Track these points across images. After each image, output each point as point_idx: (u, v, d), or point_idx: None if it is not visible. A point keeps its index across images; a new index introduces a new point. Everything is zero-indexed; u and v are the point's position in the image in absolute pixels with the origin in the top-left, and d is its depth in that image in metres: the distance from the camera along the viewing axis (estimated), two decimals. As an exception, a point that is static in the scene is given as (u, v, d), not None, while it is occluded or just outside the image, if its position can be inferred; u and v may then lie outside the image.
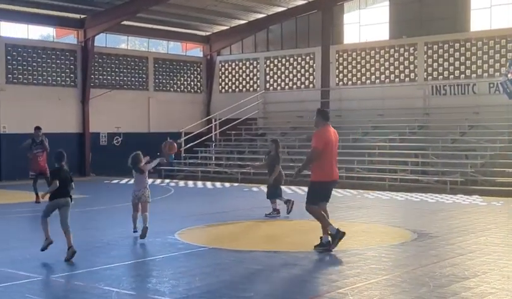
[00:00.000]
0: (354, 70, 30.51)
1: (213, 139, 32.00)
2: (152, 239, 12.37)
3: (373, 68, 29.96)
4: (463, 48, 27.54)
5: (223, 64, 35.18)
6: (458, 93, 27.17)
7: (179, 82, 34.32)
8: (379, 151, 26.24)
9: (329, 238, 10.98)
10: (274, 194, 15.88)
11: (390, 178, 23.98)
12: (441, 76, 28.06)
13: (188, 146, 30.49)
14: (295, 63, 32.56)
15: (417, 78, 28.73)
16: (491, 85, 26.36)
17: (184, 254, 11.04)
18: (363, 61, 30.22)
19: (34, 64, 28.55)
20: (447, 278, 8.94)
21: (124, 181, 26.89)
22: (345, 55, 30.77)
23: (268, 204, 15.93)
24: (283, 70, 32.99)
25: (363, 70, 30.25)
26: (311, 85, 32.05)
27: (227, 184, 25.34)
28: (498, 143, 24.00)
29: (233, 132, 31.54)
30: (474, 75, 27.23)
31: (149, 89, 32.91)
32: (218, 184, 25.65)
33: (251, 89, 33.90)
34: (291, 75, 32.70)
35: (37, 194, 19.02)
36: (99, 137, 30.70)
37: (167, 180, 27.48)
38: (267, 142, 29.62)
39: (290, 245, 11.77)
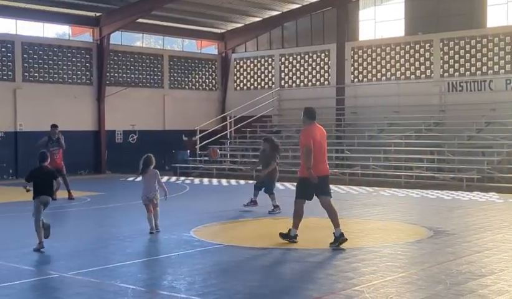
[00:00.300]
0: (370, 67, 30.41)
1: (228, 137, 32.01)
2: (167, 236, 12.41)
3: (388, 65, 29.84)
4: (480, 44, 27.37)
5: (238, 61, 35.18)
6: (475, 89, 27.02)
7: (194, 80, 34.37)
8: (395, 148, 26.13)
9: (342, 231, 11.15)
10: (270, 188, 16.11)
11: (406, 175, 23.89)
12: (458, 73, 27.90)
13: (203, 143, 30.51)
14: (310, 60, 32.49)
15: (432, 74, 28.59)
16: (508, 82, 26.19)
17: (199, 251, 11.05)
18: (378, 58, 30.12)
19: (50, 62, 28.69)
20: (464, 276, 8.88)
21: (139, 179, 26.93)
22: (360, 51, 30.67)
23: (268, 201, 16.04)
24: (298, 67, 32.94)
25: (378, 66, 30.15)
26: (326, 82, 31.98)
27: (242, 182, 25.33)
28: (515, 140, 23.86)
29: (248, 129, 31.53)
30: (490, 72, 27.06)
31: (164, 87, 32.98)
32: (233, 181, 25.66)
33: (266, 86, 33.88)
34: (306, 72, 32.65)
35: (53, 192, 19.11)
36: (115, 135, 30.81)
37: (182, 178, 27.54)
38: (282, 140, 29.63)
39: (304, 242, 11.74)
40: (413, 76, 29.16)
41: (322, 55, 32.04)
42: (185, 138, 32.19)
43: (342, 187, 22.76)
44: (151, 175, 13.10)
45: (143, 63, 32.18)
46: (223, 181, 25.83)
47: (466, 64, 27.71)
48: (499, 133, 24.63)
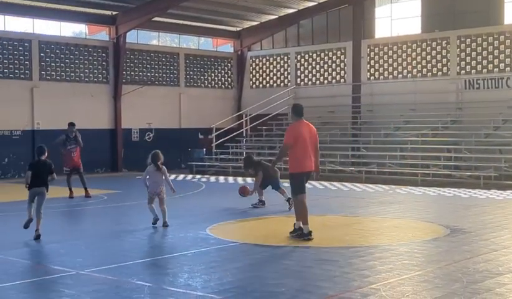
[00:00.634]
0: (386, 65, 30.30)
1: (244, 135, 32.03)
2: (183, 234, 12.45)
3: (405, 63, 29.73)
4: (497, 41, 27.19)
5: (253, 59, 35.19)
6: (492, 87, 26.85)
7: (209, 78, 34.41)
8: (411, 145, 26.04)
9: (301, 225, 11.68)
10: (277, 185, 16.41)
11: (423, 173, 23.79)
12: (475, 70, 27.75)
13: (219, 141, 30.54)
14: (326, 58, 32.43)
15: (449, 72, 28.44)
16: (526, 79, 26.02)
17: (215, 249, 11.08)
18: (395, 55, 30.01)
19: (67, 61, 28.84)
20: (481, 274, 8.84)
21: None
22: (376, 49, 30.57)
23: (281, 200, 16.10)
24: (313, 65, 32.89)
25: (395, 64, 30.04)
26: (342, 80, 31.91)
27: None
28: (533, 137, 23.71)
29: (264, 127, 31.53)
30: (508, 69, 26.86)
31: (180, 85, 33.05)
32: (249, 180, 25.64)
33: (282, 84, 33.86)
34: (322, 70, 32.59)
35: (70, 190, 19.26)
36: (131, 133, 30.92)
37: (198, 176, 27.59)
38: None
39: (321, 240, 11.73)
40: (429, 73, 29.02)
41: (338, 52, 31.98)
42: (201, 136, 32.25)
43: (358, 185, 22.72)
44: (158, 171, 13.53)
45: (159, 62, 32.27)
46: (239, 179, 25.84)
47: (483, 61, 27.55)
48: (516, 131, 24.49)
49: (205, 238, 12.03)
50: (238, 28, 34.64)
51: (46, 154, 12.70)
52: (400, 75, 29.88)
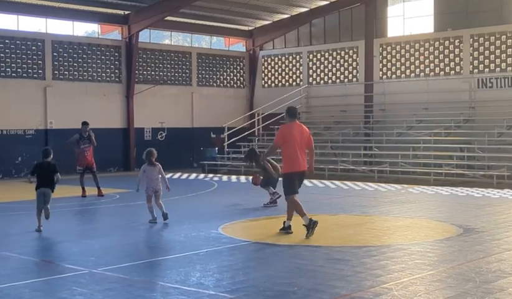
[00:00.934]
0: (398, 64, 30.23)
1: (256, 134, 32.02)
2: (196, 233, 12.47)
3: (417, 62, 29.64)
4: (510, 40, 27.06)
5: (266, 59, 35.19)
6: (505, 85, 26.71)
7: (222, 77, 34.45)
8: (424, 145, 25.96)
9: (290, 223, 12.25)
10: (267, 184, 16.79)
11: (435, 172, 23.71)
12: (488, 69, 27.62)
13: (231, 140, 30.56)
14: (338, 57, 32.38)
15: (462, 71, 28.33)
16: (539, 78, 25.88)
17: (227, 248, 11.09)
18: (407, 54, 29.92)
19: (80, 60, 28.96)
20: (494, 274, 8.80)
21: (168, 176, 27.08)
22: (389, 48, 30.50)
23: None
24: (326, 64, 32.85)
25: (407, 63, 29.95)
26: (354, 79, 31.85)
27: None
28: (546, 137, 23.56)
29: (276, 126, 31.34)
30: (521, 67, 26.75)
31: (192, 84, 33.10)
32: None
33: (294, 83, 33.84)
34: (334, 69, 32.55)
35: (83, 189, 19.33)
36: (144, 132, 31.00)
37: (210, 175, 27.63)
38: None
39: (333, 239, 11.73)
40: (442, 72, 28.92)
41: (351, 51, 31.92)
42: (213, 135, 32.28)
43: (370, 184, 22.68)
44: (154, 168, 14.06)
45: (171, 61, 32.34)
46: (251, 178, 25.79)
47: (496, 60, 27.42)
48: (530, 130, 24.37)
49: (217, 237, 12.04)
50: (251, 28, 34.65)
51: (51, 156, 13.43)
52: (412, 74, 29.79)
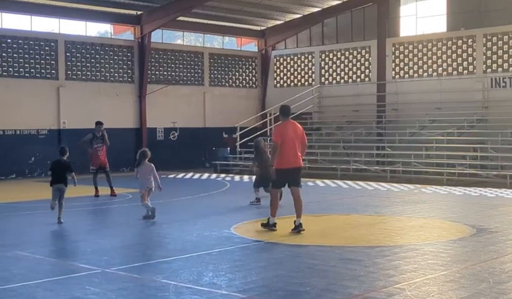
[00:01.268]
0: (411, 63, 30.14)
1: (268, 134, 31.98)
2: (208, 233, 12.49)
3: (430, 61, 29.54)
4: (524, 39, 26.94)
5: (278, 58, 35.17)
6: (518, 85, 26.59)
7: (234, 77, 34.47)
8: (437, 145, 25.86)
9: (276, 221, 12.67)
10: (259, 183, 16.95)
11: (448, 172, 23.62)
12: (501, 69, 27.49)
13: (243, 140, 30.57)
14: (350, 56, 32.33)
15: (475, 70, 28.21)
16: (553, 77, 25.73)
17: (239, 248, 11.10)
18: (420, 54, 29.83)
19: (92, 60, 29.06)
20: (507, 274, 8.76)
21: (180, 176, 27.20)
22: (401, 47, 30.42)
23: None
24: (338, 64, 32.80)
25: (420, 62, 29.86)
26: (366, 79, 31.79)
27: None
28: (560, 136, 23.41)
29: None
30: (535, 67, 26.61)
31: (204, 84, 33.15)
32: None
33: (306, 83, 33.81)
34: (346, 69, 32.49)
35: (96, 188, 19.39)
36: (156, 132, 31.07)
37: (222, 175, 27.65)
38: (323, 137, 29.57)
39: (345, 239, 11.71)
40: (455, 72, 28.81)
41: (363, 51, 31.86)
42: (225, 135, 32.31)
43: (383, 184, 22.63)
44: (147, 167, 14.47)
45: (184, 61, 32.40)
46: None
47: (510, 59, 27.29)
48: (544, 130, 24.22)
49: (229, 237, 12.05)
50: (263, 28, 34.65)
51: (67, 154, 14.25)
52: (425, 74, 29.70)
